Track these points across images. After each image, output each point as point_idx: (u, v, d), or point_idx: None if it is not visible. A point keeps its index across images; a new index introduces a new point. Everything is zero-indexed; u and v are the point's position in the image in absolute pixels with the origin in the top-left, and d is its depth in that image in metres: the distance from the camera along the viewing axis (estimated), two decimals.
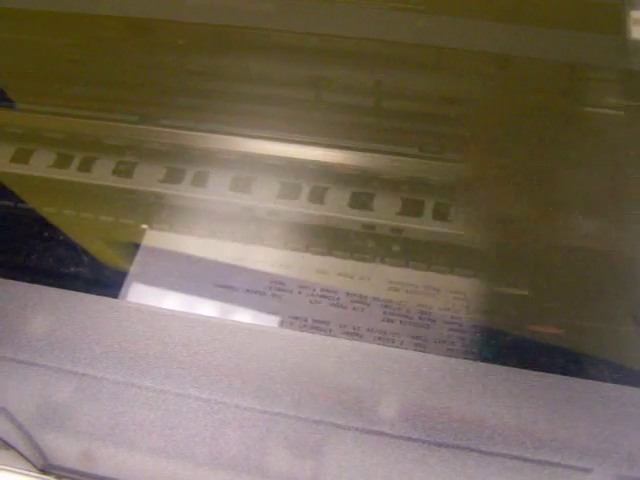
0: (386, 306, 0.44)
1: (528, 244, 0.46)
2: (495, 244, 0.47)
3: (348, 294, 0.45)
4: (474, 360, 0.38)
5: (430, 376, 0.36)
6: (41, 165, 0.56)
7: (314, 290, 0.46)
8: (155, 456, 0.36)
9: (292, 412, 0.35)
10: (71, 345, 0.38)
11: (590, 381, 0.37)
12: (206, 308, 0.46)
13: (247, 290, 0.46)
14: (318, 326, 0.43)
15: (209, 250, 0.49)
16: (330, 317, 0.43)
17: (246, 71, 0.55)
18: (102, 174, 0.54)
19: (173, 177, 0.53)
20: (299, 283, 0.46)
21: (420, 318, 0.43)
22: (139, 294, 0.46)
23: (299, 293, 0.46)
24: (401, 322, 0.43)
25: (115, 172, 0.55)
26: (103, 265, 0.49)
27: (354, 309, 0.44)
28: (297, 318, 0.44)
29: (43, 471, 0.36)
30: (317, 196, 0.51)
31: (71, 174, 0.55)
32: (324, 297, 0.45)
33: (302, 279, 0.46)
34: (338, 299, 0.45)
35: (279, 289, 0.46)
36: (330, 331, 0.42)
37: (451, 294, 0.44)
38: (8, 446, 0.36)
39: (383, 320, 0.43)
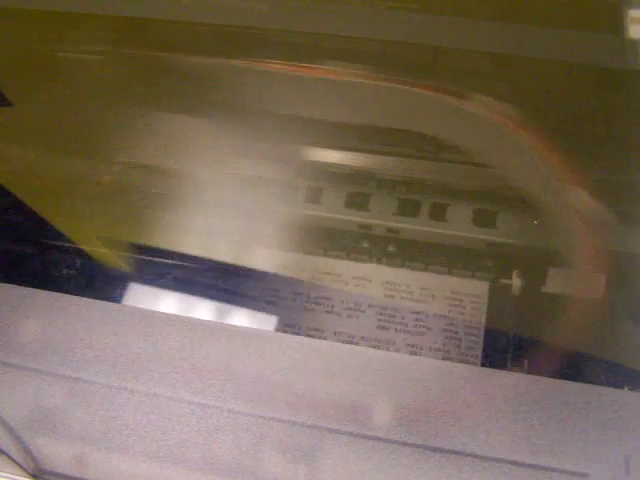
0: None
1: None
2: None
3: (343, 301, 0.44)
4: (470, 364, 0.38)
5: (425, 380, 0.35)
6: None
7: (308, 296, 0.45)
8: (148, 461, 0.35)
9: (286, 416, 0.35)
10: (63, 348, 0.38)
11: (586, 384, 0.36)
12: (200, 310, 0.45)
13: (242, 292, 0.46)
14: (312, 334, 0.42)
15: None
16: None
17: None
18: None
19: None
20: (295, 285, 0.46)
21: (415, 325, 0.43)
22: (132, 297, 0.45)
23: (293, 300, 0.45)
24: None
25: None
26: (95, 267, 0.49)
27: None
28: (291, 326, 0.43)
29: (35, 476, 0.35)
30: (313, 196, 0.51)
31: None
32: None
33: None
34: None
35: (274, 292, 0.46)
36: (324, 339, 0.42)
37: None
38: None
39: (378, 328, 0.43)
